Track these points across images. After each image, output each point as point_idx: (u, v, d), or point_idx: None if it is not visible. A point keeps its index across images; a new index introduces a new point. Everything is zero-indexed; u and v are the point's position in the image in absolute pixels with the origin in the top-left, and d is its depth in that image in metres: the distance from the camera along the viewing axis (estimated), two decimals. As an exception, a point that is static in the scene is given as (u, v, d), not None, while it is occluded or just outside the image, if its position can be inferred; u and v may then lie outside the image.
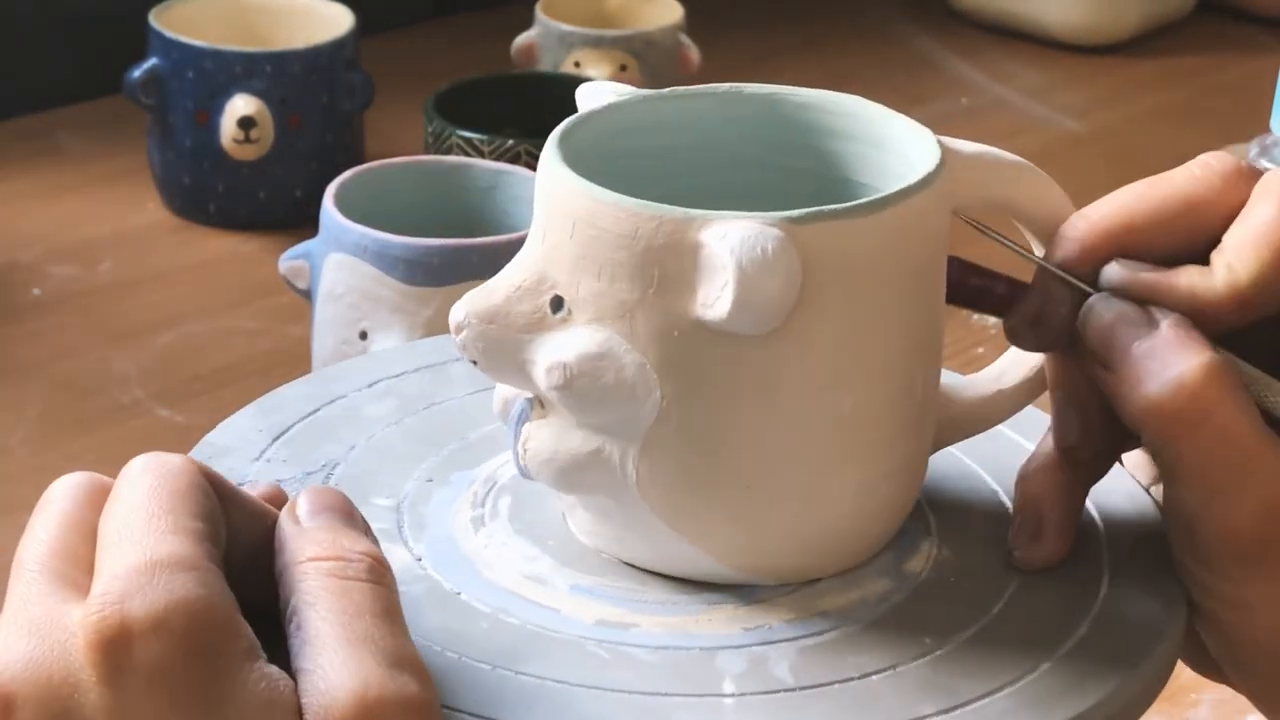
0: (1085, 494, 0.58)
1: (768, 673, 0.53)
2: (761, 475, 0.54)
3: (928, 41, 1.54)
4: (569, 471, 0.55)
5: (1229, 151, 1.32)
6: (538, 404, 0.55)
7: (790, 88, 0.60)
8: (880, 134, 0.58)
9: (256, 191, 1.18)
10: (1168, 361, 0.53)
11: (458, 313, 0.55)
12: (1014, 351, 0.59)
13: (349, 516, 0.51)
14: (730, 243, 0.51)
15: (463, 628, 0.54)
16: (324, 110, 1.17)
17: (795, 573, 0.56)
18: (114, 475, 0.87)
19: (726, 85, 0.60)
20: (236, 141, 1.14)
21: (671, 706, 0.51)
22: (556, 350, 0.54)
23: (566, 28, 1.25)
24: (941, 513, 0.59)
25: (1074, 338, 0.56)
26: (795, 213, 0.52)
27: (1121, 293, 0.55)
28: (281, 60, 1.15)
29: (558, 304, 0.54)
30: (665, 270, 0.52)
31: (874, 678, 0.53)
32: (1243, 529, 0.53)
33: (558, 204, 0.54)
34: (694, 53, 1.26)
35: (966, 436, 0.59)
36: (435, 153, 1.08)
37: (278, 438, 0.62)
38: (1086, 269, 0.56)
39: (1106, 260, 0.56)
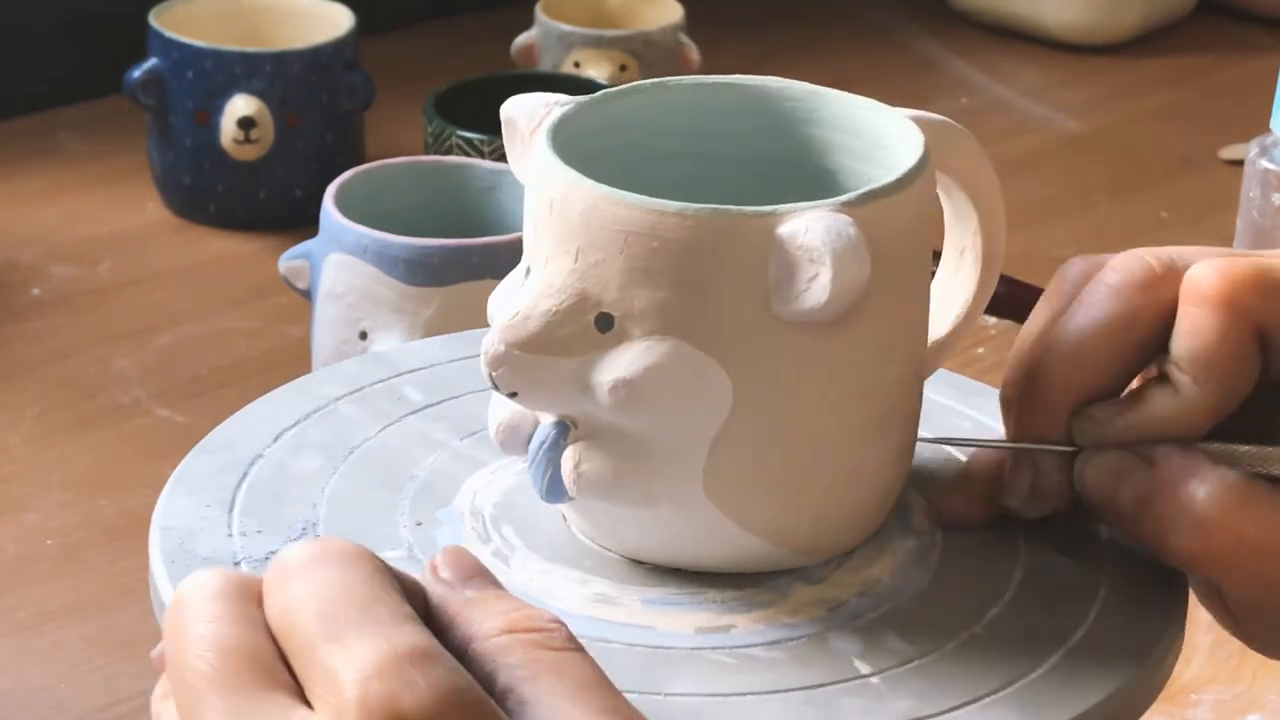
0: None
1: (884, 646, 0.53)
2: (823, 458, 0.55)
3: (928, 42, 1.54)
4: (632, 486, 0.54)
5: (1229, 151, 1.31)
6: (571, 425, 0.55)
7: (760, 77, 0.60)
8: (851, 117, 0.59)
9: (256, 191, 1.18)
10: (1179, 504, 0.54)
11: (495, 345, 0.53)
12: (932, 304, 0.60)
13: (494, 578, 0.49)
14: (818, 234, 0.52)
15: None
16: (324, 110, 1.17)
17: (849, 545, 0.57)
18: (115, 476, 0.86)
19: (688, 79, 0.60)
20: (236, 141, 1.14)
21: (833, 695, 0.52)
22: (619, 368, 0.53)
23: (566, 28, 1.25)
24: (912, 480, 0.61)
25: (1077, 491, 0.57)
26: (850, 196, 0.53)
27: (1102, 444, 0.56)
28: (281, 60, 1.15)
29: (606, 322, 0.53)
30: (730, 271, 0.53)
31: (964, 634, 0.54)
32: None
33: (601, 221, 0.53)
34: (694, 53, 1.26)
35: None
36: (435, 153, 1.08)
37: (230, 510, 0.59)
38: (1060, 431, 0.57)
39: (1071, 414, 0.56)
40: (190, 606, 0.46)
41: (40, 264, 1.14)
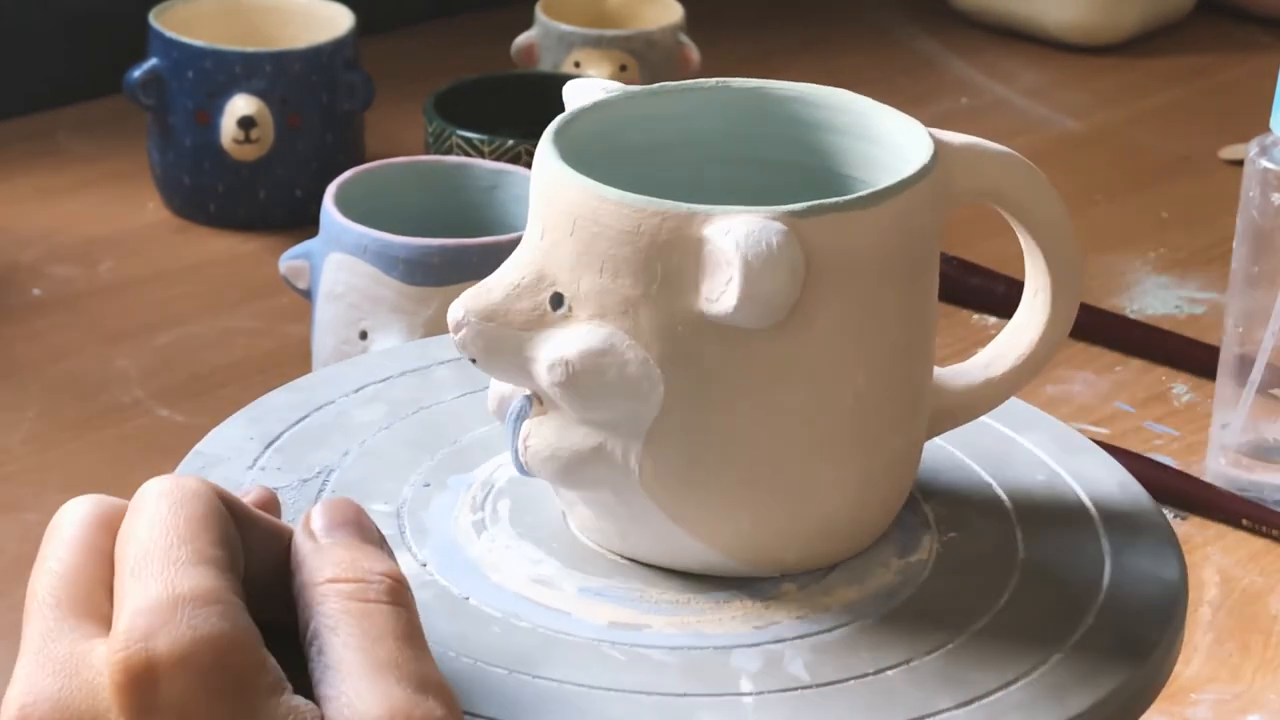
0: None
1: (784, 670, 0.53)
2: (764, 467, 0.54)
3: (928, 41, 1.54)
4: (571, 468, 0.55)
5: (1229, 151, 1.31)
6: (536, 401, 0.56)
7: (779, 81, 0.60)
8: (871, 127, 0.58)
9: (256, 191, 1.18)
10: None
11: (456, 311, 0.55)
12: (1001, 340, 0.60)
13: (366, 531, 0.51)
14: (735, 237, 0.51)
15: (475, 633, 0.54)
16: (324, 110, 1.17)
17: (798, 564, 0.56)
18: (115, 476, 0.87)
19: (715, 80, 0.60)
20: (237, 141, 1.14)
21: (692, 707, 0.51)
22: (558, 347, 0.54)
23: (566, 28, 1.25)
24: (936, 504, 0.60)
25: None
26: (797, 206, 0.52)
27: None
28: (281, 60, 1.15)
29: (558, 301, 0.54)
30: (668, 265, 0.53)
31: (889, 673, 0.53)
32: None
33: (557, 201, 0.54)
34: (694, 53, 1.26)
35: (958, 425, 0.60)
36: (435, 153, 1.08)
37: (269, 445, 0.62)
38: None
39: None
40: (56, 531, 0.49)
41: (40, 264, 1.14)
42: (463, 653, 0.53)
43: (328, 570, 0.49)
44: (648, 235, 0.53)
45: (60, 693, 0.46)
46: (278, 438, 0.62)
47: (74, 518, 0.50)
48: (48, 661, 0.46)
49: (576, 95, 0.59)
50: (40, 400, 1.01)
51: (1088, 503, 0.60)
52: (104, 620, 0.47)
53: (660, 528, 0.55)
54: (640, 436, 0.54)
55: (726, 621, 0.55)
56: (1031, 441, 0.63)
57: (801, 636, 0.54)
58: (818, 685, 0.52)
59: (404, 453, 0.61)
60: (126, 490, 0.99)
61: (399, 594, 0.49)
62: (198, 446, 0.61)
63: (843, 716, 0.51)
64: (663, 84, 0.60)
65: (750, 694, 0.52)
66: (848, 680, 0.53)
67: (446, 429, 0.63)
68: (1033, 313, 0.59)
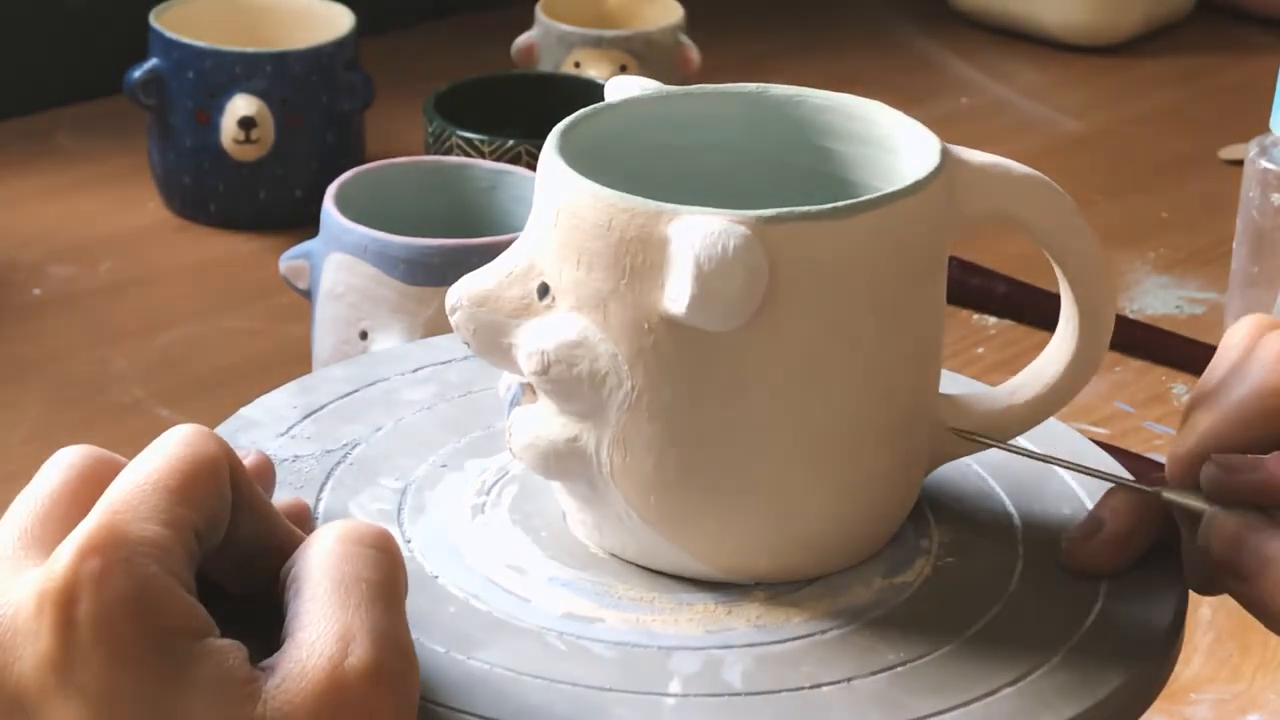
0: (1164, 524, 0.57)
1: (718, 676, 0.53)
2: (729, 472, 0.54)
3: (928, 42, 1.54)
4: (548, 457, 0.55)
5: (1229, 151, 1.31)
6: (529, 389, 0.56)
7: (811, 90, 0.60)
8: (891, 139, 0.58)
9: (256, 191, 1.18)
10: None
11: (452, 295, 0.56)
12: (1032, 368, 0.58)
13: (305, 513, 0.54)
14: (691, 238, 0.51)
15: (431, 610, 0.54)
16: (324, 110, 1.17)
17: (772, 574, 0.56)
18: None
19: (753, 86, 0.60)
20: (237, 141, 1.14)
21: (611, 702, 0.51)
22: (538, 336, 0.54)
23: (566, 28, 1.25)
24: (946, 529, 0.59)
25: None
26: (766, 212, 0.52)
27: (1230, 500, 0.54)
28: (281, 60, 1.15)
29: (544, 290, 0.55)
30: (637, 262, 0.53)
31: (825, 688, 0.52)
32: None
33: (546, 192, 0.55)
34: (694, 53, 1.26)
35: (975, 451, 0.59)
36: (435, 153, 1.08)
37: (309, 415, 0.63)
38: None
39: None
40: (44, 469, 0.51)
41: (40, 264, 1.14)
42: (412, 629, 0.53)
43: (318, 532, 0.50)
44: (618, 230, 0.53)
45: None
46: (320, 409, 0.63)
47: (65, 462, 0.51)
48: None
49: (617, 93, 0.59)
50: (40, 400, 1.01)
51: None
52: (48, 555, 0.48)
53: (631, 525, 0.55)
54: (610, 432, 0.54)
55: (681, 623, 0.55)
56: (1070, 474, 0.61)
57: (750, 645, 0.54)
58: (747, 694, 0.52)
59: (435, 433, 0.62)
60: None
61: (385, 540, 0.50)
62: (242, 410, 0.63)
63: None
64: (699, 86, 0.60)
65: (675, 695, 0.52)
66: (780, 692, 0.52)
67: (484, 413, 0.63)
68: (1062, 342, 0.57)
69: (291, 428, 0.62)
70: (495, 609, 0.55)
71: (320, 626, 0.47)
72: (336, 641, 0.47)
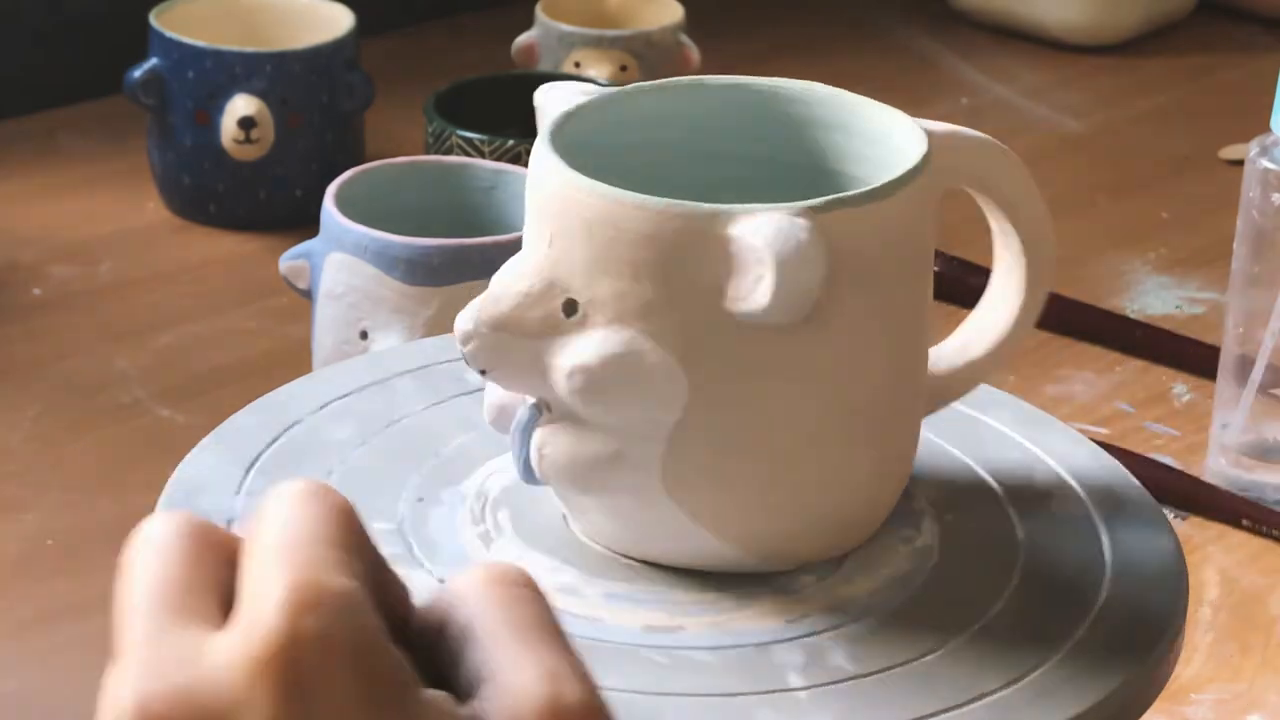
0: None
1: (828, 663, 0.53)
2: (785, 463, 0.55)
3: (928, 41, 1.54)
4: (590, 474, 0.55)
5: (1229, 151, 1.31)
6: (544, 408, 0.55)
7: (762, 79, 0.60)
8: (861, 122, 0.59)
9: (256, 191, 1.18)
10: None
11: (465, 323, 0.55)
12: (975, 322, 0.60)
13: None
14: (765, 235, 0.51)
15: None
16: (324, 110, 1.17)
17: (811, 556, 0.57)
18: (115, 476, 0.86)
19: (689, 79, 0.60)
20: (237, 141, 1.14)
21: (749, 705, 0.52)
22: (576, 354, 0.53)
23: (566, 28, 1.25)
24: (926, 487, 0.60)
25: None
26: (816, 201, 0.53)
27: None
28: (281, 60, 1.15)
29: (571, 308, 0.54)
30: (690, 267, 0.53)
31: (929, 658, 0.53)
32: None
33: (567, 208, 0.54)
34: (694, 53, 1.26)
35: (937, 409, 0.60)
36: (435, 153, 1.08)
37: (249, 469, 0.61)
38: None
39: None
40: (142, 543, 0.46)
41: (40, 264, 1.14)
42: None
43: (461, 576, 0.47)
44: (669, 238, 0.52)
45: (185, 682, 0.43)
46: (255, 461, 0.61)
47: (163, 530, 0.47)
48: (162, 654, 0.43)
49: (549, 100, 0.59)
50: (40, 400, 1.01)
51: (1069, 479, 0.61)
52: (212, 622, 0.44)
53: (678, 527, 0.55)
54: (662, 438, 0.54)
55: (757, 618, 0.55)
56: (996, 420, 0.64)
57: (835, 628, 0.54)
58: (863, 675, 0.53)
59: (388, 469, 0.61)
60: (127, 490, 0.99)
61: (537, 587, 0.47)
62: (177, 473, 0.60)
63: (894, 703, 0.52)
64: (652, 83, 0.60)
65: (801, 688, 0.52)
66: (891, 669, 0.53)
67: (424, 441, 0.62)
68: (1006, 294, 0.60)
69: (241, 485, 0.60)
70: (578, 633, 0.53)
71: (523, 671, 0.44)
72: (546, 682, 0.44)
